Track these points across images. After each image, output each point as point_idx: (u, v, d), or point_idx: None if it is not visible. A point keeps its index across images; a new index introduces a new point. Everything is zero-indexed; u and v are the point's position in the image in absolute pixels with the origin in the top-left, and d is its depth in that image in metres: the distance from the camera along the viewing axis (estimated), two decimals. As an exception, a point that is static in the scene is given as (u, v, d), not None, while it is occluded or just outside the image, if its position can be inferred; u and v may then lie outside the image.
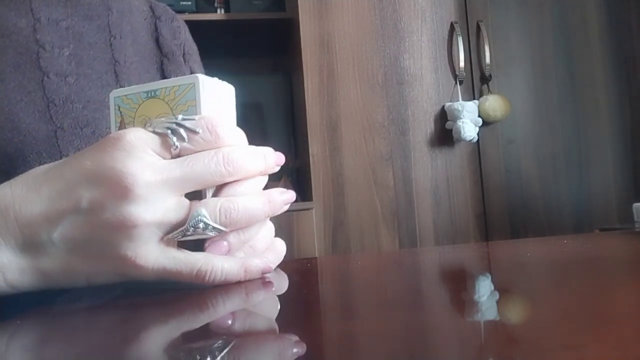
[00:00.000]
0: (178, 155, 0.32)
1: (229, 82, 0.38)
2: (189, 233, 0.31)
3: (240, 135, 0.35)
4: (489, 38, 1.66)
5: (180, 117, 0.33)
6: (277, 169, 0.38)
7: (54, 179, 0.32)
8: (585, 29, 1.73)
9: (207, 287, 0.32)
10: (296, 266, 0.44)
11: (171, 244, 0.32)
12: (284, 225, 1.49)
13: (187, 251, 0.32)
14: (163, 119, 0.33)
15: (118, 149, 0.31)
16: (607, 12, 1.74)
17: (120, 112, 0.36)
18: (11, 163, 0.47)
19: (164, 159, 0.32)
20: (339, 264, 0.50)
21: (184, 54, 0.67)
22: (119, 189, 0.30)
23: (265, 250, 0.38)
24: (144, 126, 0.33)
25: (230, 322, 0.25)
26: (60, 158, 0.49)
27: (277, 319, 0.26)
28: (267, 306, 0.29)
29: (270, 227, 0.39)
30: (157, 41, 0.64)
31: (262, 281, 0.35)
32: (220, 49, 1.88)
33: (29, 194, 0.32)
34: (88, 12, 0.58)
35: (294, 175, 1.77)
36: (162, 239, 0.32)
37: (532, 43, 1.70)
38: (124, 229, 0.30)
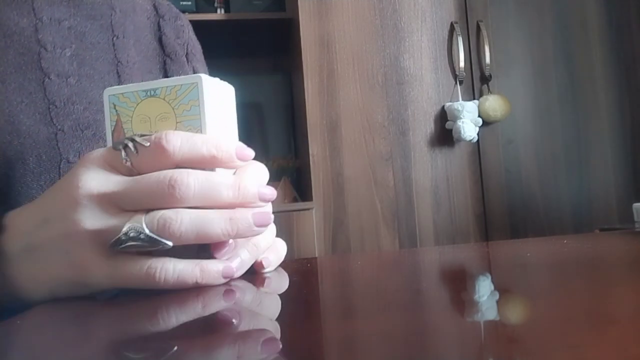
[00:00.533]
0: (135, 171, 0.33)
1: (229, 82, 0.38)
2: (124, 240, 0.31)
3: (195, 149, 0.33)
4: (489, 38, 1.66)
5: (139, 133, 0.34)
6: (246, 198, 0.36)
7: (41, 198, 0.36)
8: (585, 29, 1.73)
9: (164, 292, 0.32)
10: (296, 266, 0.44)
11: (122, 253, 0.32)
12: (284, 225, 1.49)
13: (139, 255, 0.32)
14: (127, 136, 0.34)
15: (80, 166, 0.34)
16: (607, 12, 1.74)
17: (116, 111, 0.35)
18: (10, 166, 0.47)
19: (120, 173, 0.34)
20: (339, 264, 0.50)
21: (187, 53, 0.66)
22: (69, 199, 0.33)
23: (267, 249, 0.38)
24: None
25: (231, 320, 0.25)
26: (60, 161, 0.49)
27: (277, 319, 0.26)
28: (268, 305, 0.29)
29: (271, 226, 0.39)
30: (160, 41, 0.64)
31: (225, 288, 0.34)
32: (220, 49, 1.88)
33: (20, 210, 0.36)
34: (91, 11, 0.57)
35: (294, 175, 1.77)
36: (107, 247, 0.32)
37: (532, 43, 1.70)
38: (71, 235, 0.32)
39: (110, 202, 0.32)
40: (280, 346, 0.20)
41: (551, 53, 1.71)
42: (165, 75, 0.62)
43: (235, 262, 0.34)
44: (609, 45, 1.73)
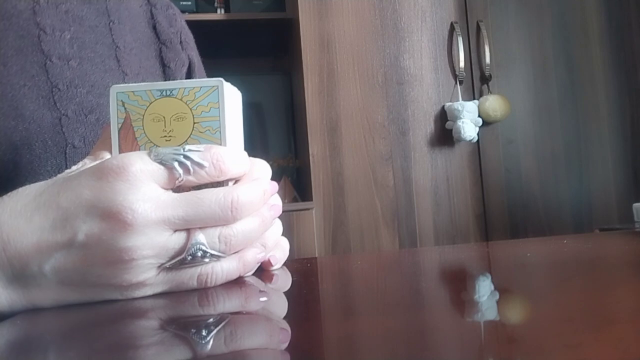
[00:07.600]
0: (180, 186, 0.32)
1: (228, 82, 0.38)
2: (187, 261, 0.31)
3: (244, 163, 0.34)
4: (489, 38, 1.66)
5: (187, 147, 0.32)
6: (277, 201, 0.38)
7: (47, 208, 0.30)
8: (585, 29, 1.73)
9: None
10: (296, 266, 0.44)
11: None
12: (284, 225, 1.48)
13: None
14: (169, 149, 0.32)
15: (121, 180, 0.30)
16: (607, 13, 1.74)
17: (125, 109, 0.35)
18: (17, 152, 0.46)
19: (167, 190, 0.32)
20: (339, 264, 0.50)
21: (180, 41, 0.66)
22: (118, 223, 0.29)
23: (274, 247, 0.39)
24: (149, 154, 0.32)
25: (229, 320, 0.25)
26: (66, 146, 0.49)
27: (278, 319, 0.26)
28: (269, 306, 0.29)
29: (278, 224, 0.40)
30: (154, 28, 0.64)
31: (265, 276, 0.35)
32: (220, 49, 1.88)
33: (18, 221, 0.30)
34: None
35: (294, 175, 1.77)
36: (160, 267, 0.31)
37: (532, 43, 1.70)
38: (121, 262, 0.29)
39: (165, 224, 0.30)
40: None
41: (551, 53, 1.71)
42: (162, 63, 0.62)
43: (259, 250, 0.36)
44: (609, 45, 1.73)
